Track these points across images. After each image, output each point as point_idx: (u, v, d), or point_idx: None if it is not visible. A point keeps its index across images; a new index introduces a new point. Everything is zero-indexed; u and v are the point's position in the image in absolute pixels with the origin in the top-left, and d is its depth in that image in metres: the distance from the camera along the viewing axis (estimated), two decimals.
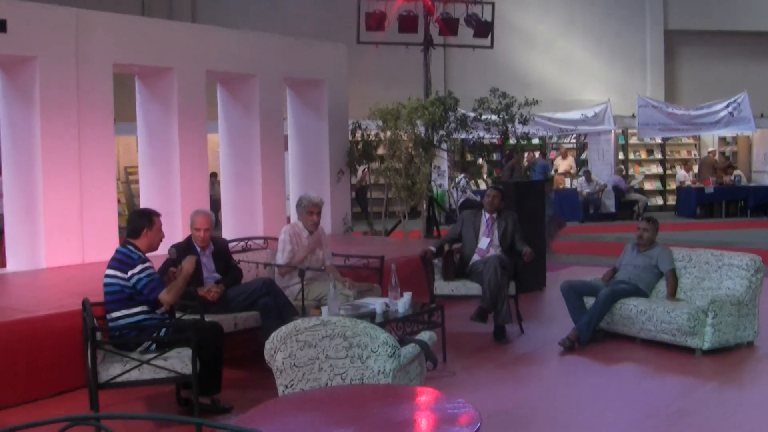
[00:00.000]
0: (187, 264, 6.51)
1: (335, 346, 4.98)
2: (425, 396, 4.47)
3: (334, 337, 4.98)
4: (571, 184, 22.81)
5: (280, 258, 8.09)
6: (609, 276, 8.86)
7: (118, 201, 13.81)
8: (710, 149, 24.73)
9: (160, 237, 6.47)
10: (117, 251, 6.31)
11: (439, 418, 4.03)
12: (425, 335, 5.82)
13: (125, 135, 16.83)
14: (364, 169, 18.45)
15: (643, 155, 25.02)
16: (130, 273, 6.14)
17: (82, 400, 6.32)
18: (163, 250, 6.72)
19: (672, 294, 8.36)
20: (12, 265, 10.30)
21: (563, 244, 16.32)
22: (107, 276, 6.21)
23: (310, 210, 8.23)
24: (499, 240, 9.02)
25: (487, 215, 9.15)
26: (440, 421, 3.97)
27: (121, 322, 6.16)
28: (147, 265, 6.23)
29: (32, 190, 10.18)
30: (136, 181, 14.72)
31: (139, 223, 6.37)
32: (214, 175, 16.45)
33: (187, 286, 6.58)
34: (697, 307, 7.85)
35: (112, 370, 5.77)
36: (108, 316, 6.23)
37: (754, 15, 26.18)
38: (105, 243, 10.01)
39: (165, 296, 6.22)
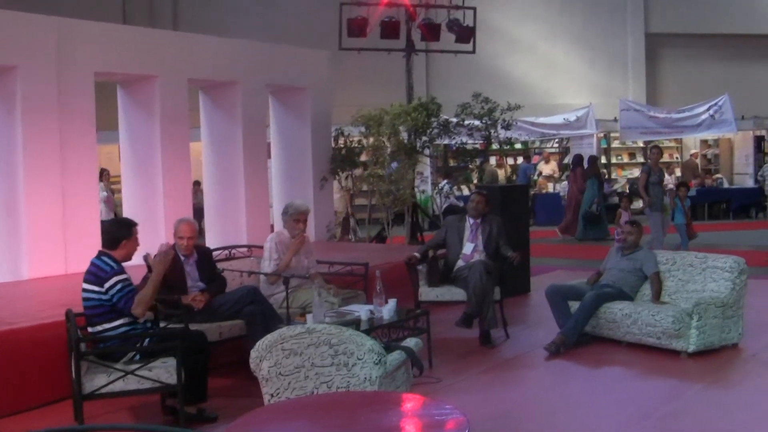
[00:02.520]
0: (158, 264, 6.37)
1: (321, 354, 4.95)
2: (413, 402, 4.45)
3: (320, 345, 4.95)
4: (554, 188, 22.82)
5: (267, 266, 8.05)
6: (594, 279, 8.88)
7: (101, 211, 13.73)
8: (693, 152, 24.85)
9: (136, 246, 6.42)
10: (91, 264, 6.23)
11: (427, 423, 4.01)
12: (411, 342, 5.81)
13: (108, 144, 16.74)
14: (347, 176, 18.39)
15: (626, 158, 25.14)
16: (106, 286, 6.07)
17: (67, 412, 6.26)
18: (137, 259, 6.63)
19: (657, 297, 8.39)
20: None
21: (547, 247, 16.35)
22: (85, 290, 6.15)
23: (296, 218, 8.21)
24: (483, 245, 9.01)
25: (472, 220, 9.15)
26: (428, 427, 3.94)
27: (104, 335, 6.11)
28: (122, 277, 6.16)
29: (14, 200, 10.11)
30: (119, 191, 14.64)
31: (119, 233, 6.31)
32: (197, 184, 16.39)
33: (170, 294, 6.54)
34: (682, 309, 7.87)
35: (97, 380, 5.74)
36: (90, 330, 6.17)
37: (734, 18, 26.36)
38: (88, 253, 9.70)
39: (135, 310, 6.15)
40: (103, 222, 7.01)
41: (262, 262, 8.24)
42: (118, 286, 6.10)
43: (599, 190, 17.84)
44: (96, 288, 6.09)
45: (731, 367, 7.79)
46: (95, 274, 6.14)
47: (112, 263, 6.19)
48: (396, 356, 5.34)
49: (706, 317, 7.80)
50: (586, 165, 18.67)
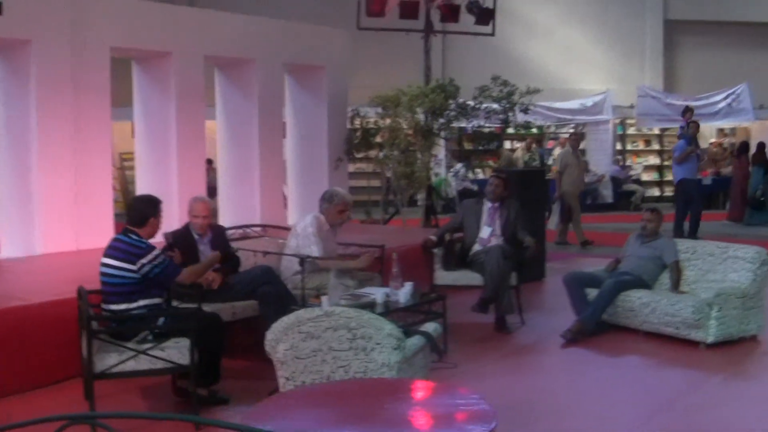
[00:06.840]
0: (213, 257, 6.89)
1: (339, 338, 4.86)
2: (438, 392, 4.34)
3: (338, 329, 4.86)
4: None
5: (316, 251, 7.78)
6: (612, 267, 8.77)
7: (113, 188, 13.68)
8: (712, 140, 24.68)
9: (160, 224, 6.35)
10: (119, 240, 6.10)
11: (454, 415, 3.90)
12: (430, 327, 5.72)
13: (121, 120, 16.65)
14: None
15: (642, 145, 24.97)
16: (139, 263, 5.95)
17: (76, 390, 6.17)
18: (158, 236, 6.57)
19: (676, 286, 8.27)
20: (6, 251, 10.16)
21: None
22: (108, 266, 6.02)
23: (341, 208, 8.02)
24: (501, 229, 8.89)
25: (490, 204, 9.03)
26: (456, 419, 3.84)
27: (117, 314, 6.02)
28: (157, 252, 6.09)
29: (27, 176, 10.03)
30: (132, 168, 14.59)
31: (147, 211, 6.20)
32: (209, 162, 16.28)
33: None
34: (702, 299, 7.75)
35: (108, 360, 5.66)
36: (106, 307, 6.08)
37: (753, 5, 26.03)
38: (100, 230, 9.87)
39: (185, 276, 6.30)
40: (132, 199, 7.00)
41: (303, 248, 7.94)
42: (158, 261, 6.03)
43: (764, 177, 18.09)
44: (125, 265, 5.96)
45: (750, 359, 7.71)
46: (125, 251, 6.00)
47: (143, 240, 6.10)
48: (415, 341, 5.26)
49: (726, 308, 7.68)
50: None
